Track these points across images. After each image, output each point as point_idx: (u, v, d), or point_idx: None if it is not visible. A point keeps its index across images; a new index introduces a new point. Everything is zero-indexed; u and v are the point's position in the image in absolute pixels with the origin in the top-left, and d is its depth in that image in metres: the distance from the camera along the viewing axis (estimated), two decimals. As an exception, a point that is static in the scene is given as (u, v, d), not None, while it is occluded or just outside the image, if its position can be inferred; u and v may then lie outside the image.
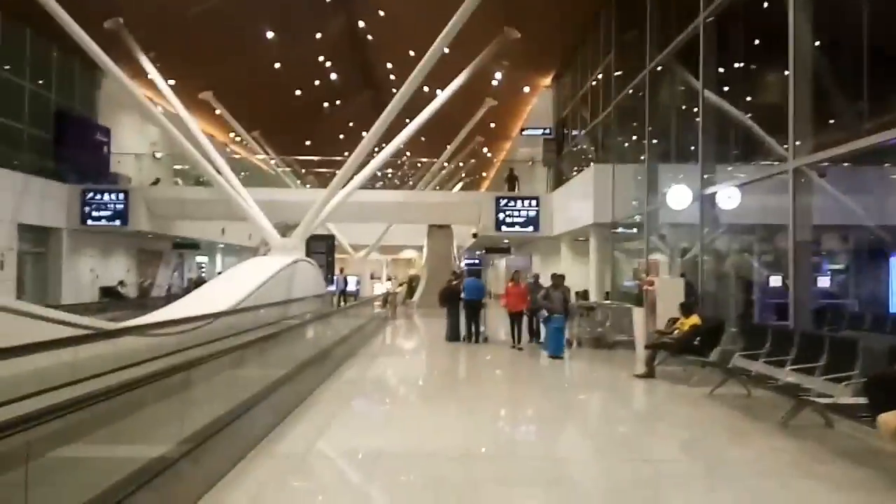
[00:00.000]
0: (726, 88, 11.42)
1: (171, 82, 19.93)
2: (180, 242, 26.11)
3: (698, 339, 8.95)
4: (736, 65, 12.06)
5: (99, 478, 3.77)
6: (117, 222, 21.33)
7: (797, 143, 8.13)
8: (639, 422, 7.27)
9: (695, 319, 9.29)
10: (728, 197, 10.31)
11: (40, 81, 20.15)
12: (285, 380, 7.26)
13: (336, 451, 5.67)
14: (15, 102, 19.03)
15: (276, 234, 17.34)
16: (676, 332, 9.42)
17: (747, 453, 5.46)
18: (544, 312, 11.78)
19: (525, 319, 13.14)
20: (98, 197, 21.13)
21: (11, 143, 18.83)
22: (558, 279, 12.20)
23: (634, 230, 16.05)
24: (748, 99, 13.21)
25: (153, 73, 18.73)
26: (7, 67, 18.63)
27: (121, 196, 21.31)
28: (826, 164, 8.12)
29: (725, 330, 8.94)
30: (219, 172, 18.21)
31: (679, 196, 11.13)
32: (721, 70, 11.26)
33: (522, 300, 12.89)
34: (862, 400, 5.41)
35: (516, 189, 24.89)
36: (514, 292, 13.05)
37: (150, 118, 17.63)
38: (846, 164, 10.47)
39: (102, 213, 21.19)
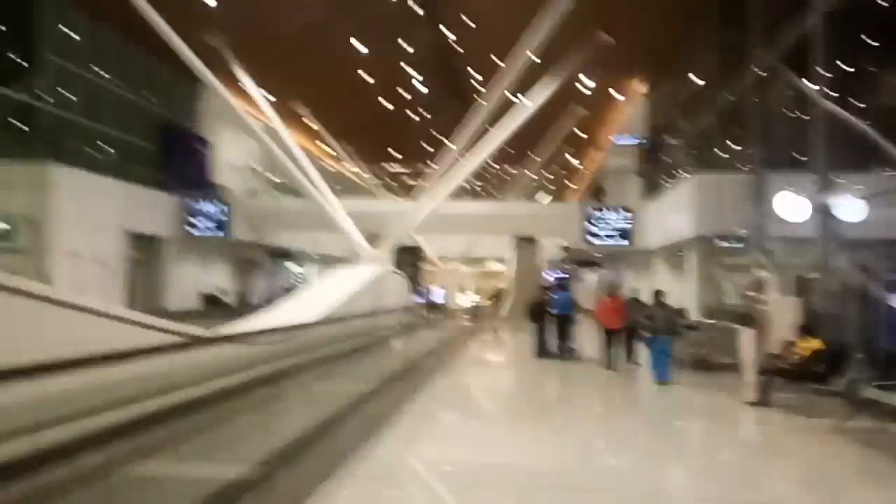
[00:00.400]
0: (840, 92, 10.40)
1: (267, 95, 20.68)
2: (276, 252, 27.02)
3: (821, 365, 8.09)
4: (853, 66, 11.02)
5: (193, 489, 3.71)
6: (219, 232, 22.30)
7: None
8: (757, 457, 6.53)
9: (816, 343, 8.42)
10: (854, 207, 9.33)
11: (146, 94, 21.44)
12: (373, 393, 7.14)
13: (423, 465, 5.64)
14: (123, 115, 20.33)
15: (366, 244, 17.50)
16: (796, 356, 8.56)
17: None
18: (647, 333, 10.69)
19: (623, 338, 11.97)
20: (201, 207, 22.19)
21: (120, 154, 20.09)
22: (661, 296, 11.06)
23: (738, 244, 15.00)
24: (865, 104, 12.10)
25: (250, 86, 19.48)
26: (116, 81, 19.92)
27: (223, 207, 22.27)
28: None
29: (852, 356, 7.99)
30: (312, 183, 18.64)
31: (791, 205, 10.19)
32: (834, 73, 10.26)
33: (619, 316, 11.80)
34: None
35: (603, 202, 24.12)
36: (611, 307, 12.00)
37: (248, 131, 18.32)
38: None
39: (204, 223, 22.22)
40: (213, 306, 21.81)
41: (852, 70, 11.59)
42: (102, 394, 4.50)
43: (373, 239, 20.08)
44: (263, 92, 20.58)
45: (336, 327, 11.17)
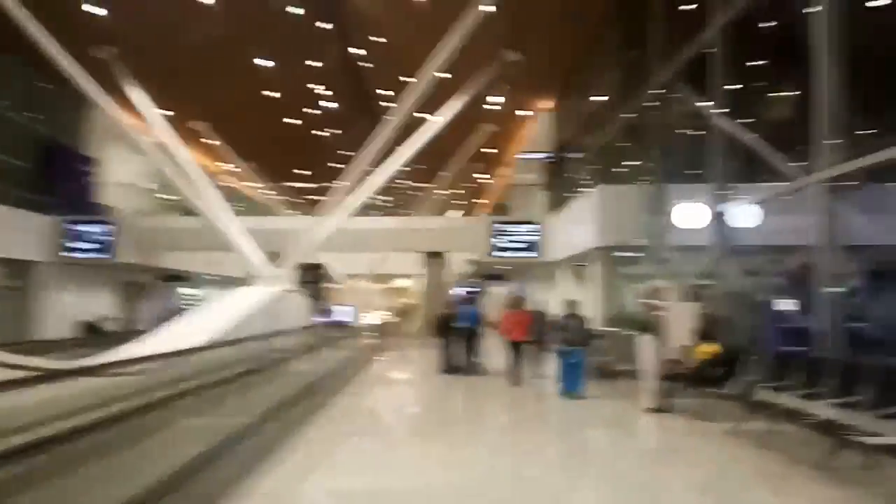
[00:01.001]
0: (730, 109, 10.77)
1: (163, 111, 19.41)
2: (168, 275, 25.36)
3: (717, 369, 8.14)
4: (742, 84, 11.50)
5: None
6: (103, 254, 20.60)
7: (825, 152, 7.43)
8: (659, 464, 6.36)
9: (712, 347, 8.49)
10: (745, 215, 9.59)
11: (24, 112, 19.64)
12: (268, 416, 6.53)
13: (321, 490, 5.37)
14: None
15: (261, 263, 16.59)
16: (692, 361, 8.60)
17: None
18: (561, 345, 10.21)
19: (530, 351, 11.70)
20: (81, 228, 20.43)
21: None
22: (573, 306, 10.69)
23: (637, 254, 15.33)
24: (755, 118, 12.68)
25: (143, 102, 18.22)
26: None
27: (106, 227, 20.62)
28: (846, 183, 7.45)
29: (746, 359, 8.07)
30: (209, 202, 17.58)
31: (690, 215, 10.39)
32: (727, 88, 10.63)
33: (524, 329, 11.49)
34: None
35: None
36: (515, 320, 11.65)
37: (138, 148, 17.05)
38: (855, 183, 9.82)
39: (86, 245, 20.47)
40: (93, 334, 20.04)
41: (742, 87, 12.10)
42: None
43: (275, 257, 19.16)
44: (158, 108, 19.31)
45: (225, 351, 10.36)
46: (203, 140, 26.79)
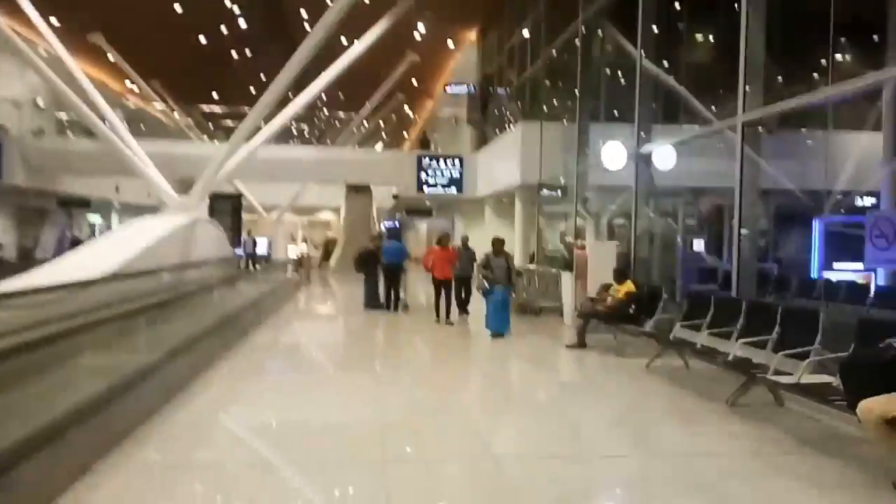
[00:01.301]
0: (654, 50, 10.71)
1: (57, 22, 17.41)
2: (67, 200, 23.51)
3: (634, 307, 8.36)
4: (666, 26, 11.45)
5: None
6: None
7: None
8: (576, 398, 6.49)
9: (629, 286, 8.68)
10: (665, 156, 9.71)
11: None
12: (177, 352, 6.19)
13: (236, 423, 5.31)
14: None
15: (171, 190, 15.56)
16: (610, 299, 8.79)
17: (702, 440, 4.81)
18: (484, 283, 9.88)
19: (455, 288, 11.47)
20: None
21: None
22: (500, 244, 10.28)
23: (559, 192, 15.47)
24: (678, 62, 12.75)
25: (30, 9, 16.21)
26: None
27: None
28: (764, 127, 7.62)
29: (662, 297, 8.32)
30: (109, 124, 16.12)
31: (613, 155, 10.42)
32: (651, 29, 10.52)
33: (450, 266, 11.28)
34: (828, 379, 4.86)
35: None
36: (441, 257, 11.36)
37: (28, 62, 15.22)
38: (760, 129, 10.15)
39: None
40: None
41: (666, 29, 12.05)
42: None
43: (186, 185, 18.02)
44: (51, 17, 17.26)
45: (131, 283, 9.69)
46: (109, 57, 24.52)
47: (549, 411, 5.90)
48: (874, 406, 3.79)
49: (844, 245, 12.88)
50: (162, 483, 3.84)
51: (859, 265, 12.43)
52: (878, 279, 11.14)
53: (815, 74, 11.73)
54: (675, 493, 3.81)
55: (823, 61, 12.63)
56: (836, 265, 12.80)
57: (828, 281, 11.86)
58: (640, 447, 4.73)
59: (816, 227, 13.10)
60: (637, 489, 3.95)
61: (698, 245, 15.41)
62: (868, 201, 14.28)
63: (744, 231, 7.69)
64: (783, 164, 12.07)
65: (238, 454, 4.49)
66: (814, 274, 12.80)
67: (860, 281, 11.86)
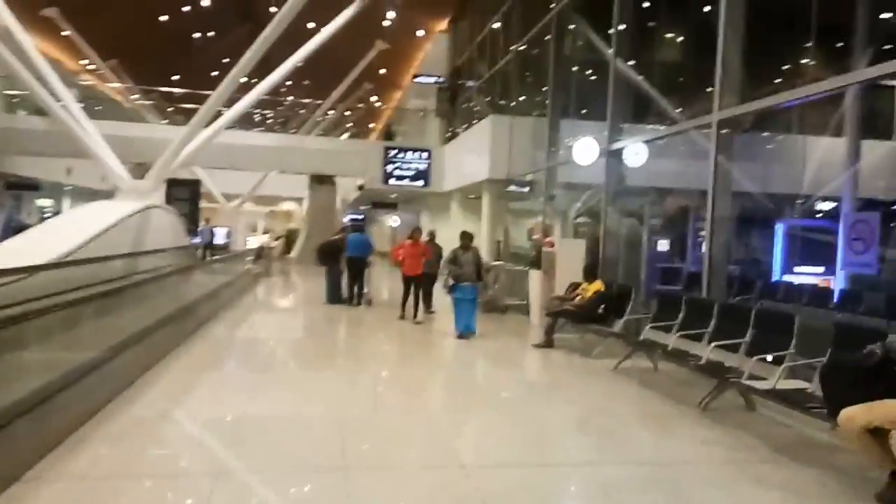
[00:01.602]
0: (625, 47, 10.58)
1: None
2: (15, 182, 22.40)
3: (603, 306, 8.22)
4: (637, 24, 11.36)
5: None
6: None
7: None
8: (543, 400, 6.29)
9: (598, 285, 8.55)
10: (636, 153, 9.59)
11: None
12: (127, 344, 5.81)
13: (189, 419, 5.11)
14: None
15: (126, 174, 14.88)
16: (578, 298, 8.64)
17: (675, 446, 4.66)
18: (449, 280, 9.33)
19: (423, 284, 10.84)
20: None
21: None
22: (468, 238, 9.76)
23: (527, 188, 15.32)
24: (649, 60, 12.72)
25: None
26: None
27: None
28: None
29: (631, 297, 8.20)
30: (61, 102, 15.30)
31: (585, 151, 10.27)
32: (623, 26, 10.37)
33: (420, 261, 10.62)
34: (803, 385, 4.76)
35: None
36: (412, 252, 10.61)
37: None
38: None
39: None
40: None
41: (638, 27, 11.97)
42: None
43: (142, 170, 17.29)
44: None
45: (78, 270, 9.15)
46: (63, 33, 23.42)
47: (517, 414, 5.66)
48: (856, 415, 3.67)
49: (806, 249, 13.09)
50: (101, 493, 3.49)
51: (820, 269, 12.65)
52: (839, 283, 11.29)
53: (780, 80, 11.85)
54: (654, 502, 3.63)
55: (789, 65, 12.83)
56: (797, 269, 12.99)
57: (789, 284, 11.99)
58: (611, 453, 4.55)
59: (779, 230, 13.26)
60: (611, 499, 3.76)
61: (663, 245, 15.46)
62: (828, 205, 14.56)
63: (712, 232, 7.58)
64: (744, 166, 12.15)
65: (188, 457, 4.16)
66: (775, 277, 12.95)
67: (821, 284, 12.03)
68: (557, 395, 6.54)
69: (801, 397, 4.46)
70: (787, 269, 12.99)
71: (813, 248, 13.02)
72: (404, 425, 5.12)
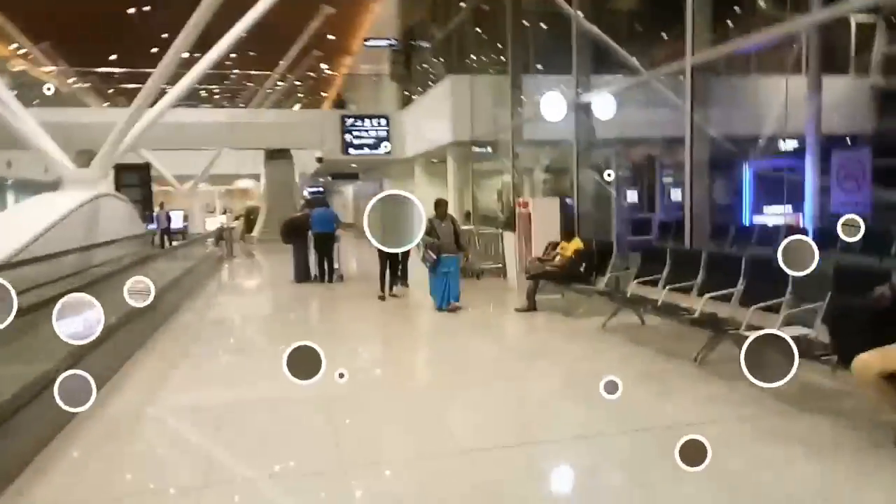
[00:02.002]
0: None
1: None
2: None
3: (584, 265, 8.05)
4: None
5: None
6: None
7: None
8: (533, 366, 6.10)
9: (578, 243, 8.36)
10: (605, 106, 9.33)
11: None
12: (96, 341, 5.36)
13: (168, 409, 4.99)
14: None
15: (69, 163, 14.03)
16: (558, 258, 8.45)
17: (680, 408, 4.52)
18: (430, 254, 8.61)
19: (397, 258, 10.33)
20: None
21: None
22: (444, 206, 9.14)
23: (489, 149, 15.01)
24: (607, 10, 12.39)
25: None
26: None
27: None
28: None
29: (612, 253, 8.03)
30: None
31: (553, 105, 9.95)
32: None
33: None
34: (804, 331, 4.64)
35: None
36: None
37: None
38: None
39: None
40: None
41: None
42: None
43: (88, 158, 16.35)
44: None
45: (29, 269, 8.56)
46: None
47: (510, 383, 5.46)
48: (871, 361, 3.54)
49: (772, 189, 13.13)
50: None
51: (788, 207, 12.72)
52: (806, 221, 11.34)
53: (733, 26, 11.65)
54: (676, 473, 3.46)
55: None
56: (766, 209, 13.05)
57: (763, 226, 12.03)
58: (619, 421, 4.36)
59: (746, 172, 13.26)
60: (628, 471, 3.57)
61: (632, 196, 15.39)
62: (790, 144, 14.62)
63: (693, 181, 7.43)
64: (707, 111, 12.02)
65: (172, 461, 3.83)
66: (745, 220, 13.00)
67: (791, 223, 12.10)
68: (546, 358, 6.35)
69: (806, 345, 4.34)
70: (755, 210, 13.06)
71: (779, 186, 13.06)
72: (395, 402, 4.88)
